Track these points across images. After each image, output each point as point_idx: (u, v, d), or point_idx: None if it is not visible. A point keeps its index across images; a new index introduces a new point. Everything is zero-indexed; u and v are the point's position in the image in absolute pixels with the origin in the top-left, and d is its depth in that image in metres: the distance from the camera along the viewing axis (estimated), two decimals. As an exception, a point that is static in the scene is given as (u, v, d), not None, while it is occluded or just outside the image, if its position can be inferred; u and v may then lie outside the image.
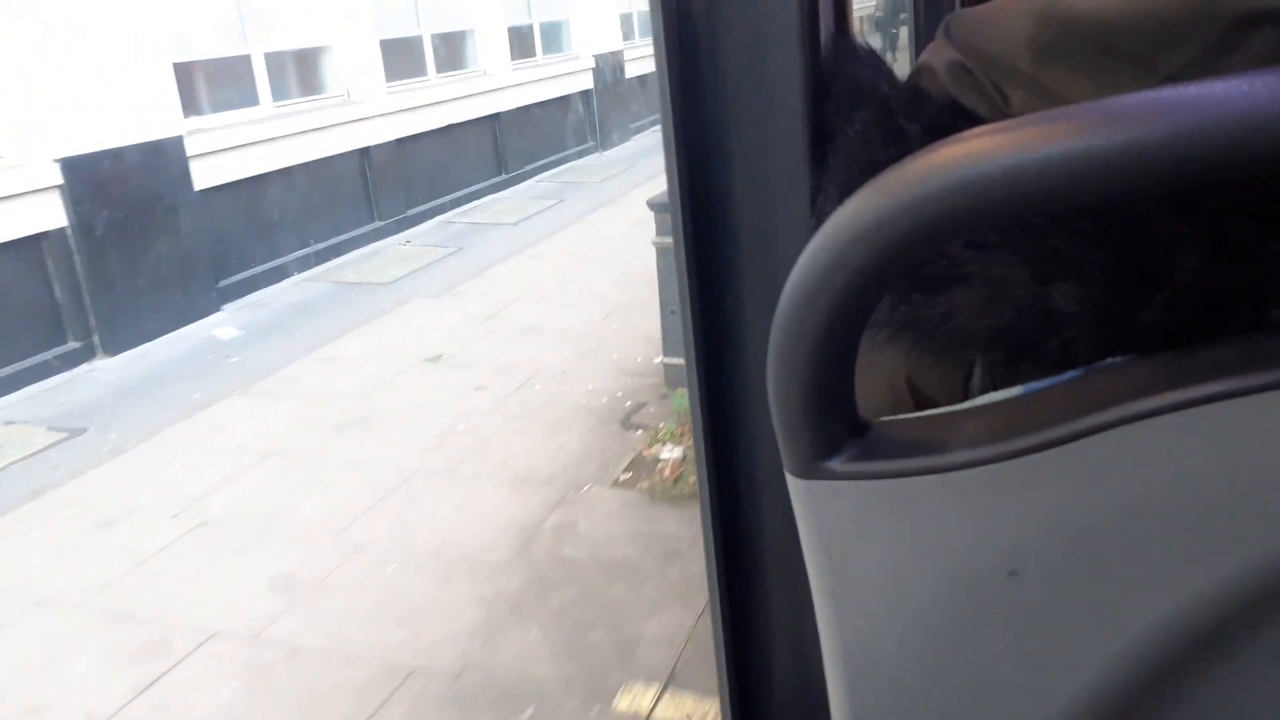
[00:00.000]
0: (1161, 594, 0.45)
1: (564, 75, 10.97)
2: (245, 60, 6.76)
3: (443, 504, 3.66)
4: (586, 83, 11.50)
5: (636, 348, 5.07)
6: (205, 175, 6.20)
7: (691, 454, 3.54)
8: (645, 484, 3.65)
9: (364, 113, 7.65)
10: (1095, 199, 0.42)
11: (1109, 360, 0.50)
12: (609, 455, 3.94)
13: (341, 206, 7.53)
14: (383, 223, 7.93)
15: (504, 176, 9.72)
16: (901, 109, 0.61)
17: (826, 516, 0.50)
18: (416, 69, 8.62)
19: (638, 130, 12.92)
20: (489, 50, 9.52)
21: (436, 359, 5.20)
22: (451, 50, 9.20)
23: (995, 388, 0.58)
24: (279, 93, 7.05)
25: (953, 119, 0.59)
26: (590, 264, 6.92)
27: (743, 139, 0.67)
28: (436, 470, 3.94)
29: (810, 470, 0.48)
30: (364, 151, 7.72)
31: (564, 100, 11.00)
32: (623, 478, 3.74)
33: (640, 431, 4.14)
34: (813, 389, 0.46)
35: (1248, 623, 0.45)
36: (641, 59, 13.31)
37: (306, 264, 7.12)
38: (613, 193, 9.41)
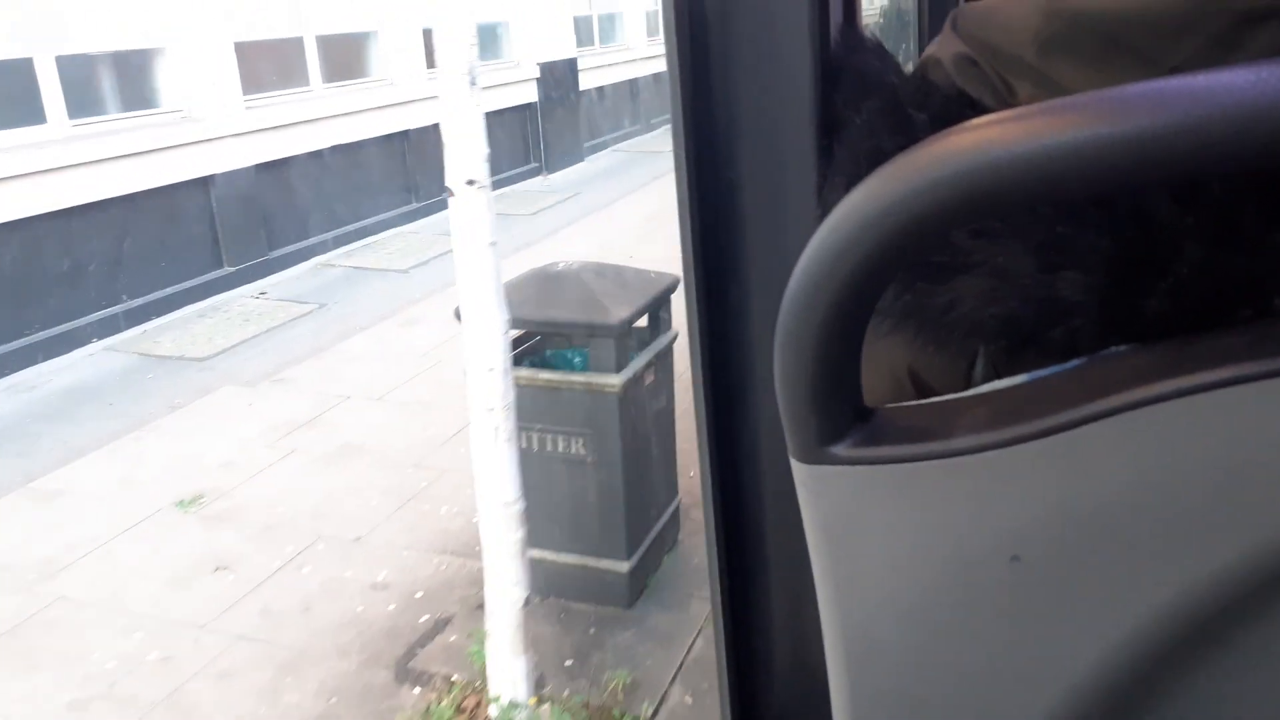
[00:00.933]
0: (1164, 580, 0.45)
1: (499, 86, 9.40)
2: (27, 65, 5.19)
3: None
4: (529, 95, 9.93)
5: (479, 494, 3.49)
6: (-54, 218, 4.63)
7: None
8: (375, 839, 2.07)
9: (207, 132, 6.08)
10: (1103, 187, 0.41)
11: (1113, 349, 0.51)
12: (348, 747, 2.36)
13: (174, 250, 5.96)
14: (234, 269, 6.35)
15: (415, 205, 8.15)
16: (909, 99, 0.61)
17: (830, 502, 0.50)
18: (295, 78, 7.05)
19: (594, 150, 11.35)
20: (397, 56, 7.95)
21: (193, 502, 3.62)
22: (346, 56, 7.62)
23: (998, 377, 0.58)
24: (81, 108, 5.48)
25: (960, 110, 0.58)
26: (476, 336, 5.34)
27: (751, 128, 0.66)
28: (59, 766, 2.36)
29: (815, 455, 0.48)
30: (207, 181, 6.15)
31: (498, 115, 9.42)
32: (345, 816, 2.16)
33: (418, 690, 2.56)
34: (819, 374, 0.46)
35: (1251, 610, 0.45)
36: (601, 68, 11.76)
37: (114, 327, 5.54)
38: (545, 228, 7.85)
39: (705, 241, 0.69)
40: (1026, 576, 0.46)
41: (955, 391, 0.55)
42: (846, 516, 0.49)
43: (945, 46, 0.63)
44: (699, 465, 0.74)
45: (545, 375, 2.64)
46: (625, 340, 2.61)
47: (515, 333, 2.80)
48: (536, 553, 2.84)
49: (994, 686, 0.50)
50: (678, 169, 0.67)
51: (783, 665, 0.77)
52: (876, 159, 0.44)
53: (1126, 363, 0.48)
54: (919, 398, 0.64)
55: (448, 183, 1.78)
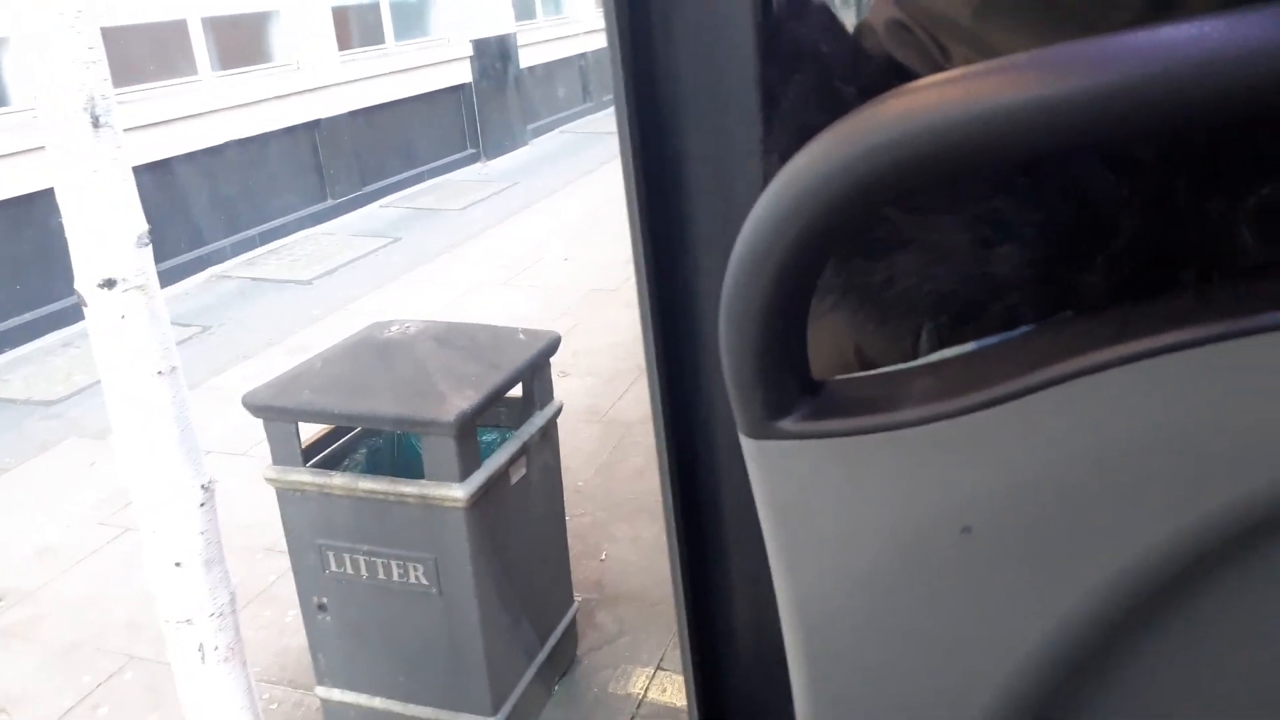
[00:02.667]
0: (1117, 548, 0.45)
1: (425, 66, 8.61)
2: None
3: None
4: (462, 75, 9.15)
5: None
6: None
7: None
8: None
9: (67, 132, 5.30)
10: (1041, 150, 0.41)
11: (1061, 315, 0.50)
12: None
13: (33, 267, 5.20)
14: (109, 287, 5.59)
15: (329, 203, 7.39)
16: (838, 71, 0.60)
17: (780, 476, 0.50)
18: (181, 66, 6.26)
19: (539, 132, 10.58)
20: (302, 37, 7.16)
21: (-14, 610, 2.93)
22: (242, 38, 6.83)
23: None
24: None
25: (889, 81, 0.54)
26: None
27: (695, 100, 0.65)
28: None
29: (763, 430, 0.48)
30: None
31: (426, 99, 8.65)
32: None
33: None
34: (764, 348, 0.46)
35: (1202, 576, 0.45)
36: (545, 43, 10.96)
37: (-44, 363, 4.80)
38: (473, 226, 7.12)
39: (652, 217, 0.66)
40: (978, 547, 0.46)
41: None
42: (796, 491, 0.49)
43: (879, 11, 0.62)
44: (655, 445, 0.71)
45: (367, 484, 1.97)
46: (469, 438, 1.94)
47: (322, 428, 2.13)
48: (380, 702, 2.19)
49: (948, 658, 0.50)
50: (621, 144, 0.66)
51: (743, 638, 0.76)
52: (807, 136, 0.43)
53: (1075, 329, 0.47)
54: None
55: (76, 285, 1.11)
